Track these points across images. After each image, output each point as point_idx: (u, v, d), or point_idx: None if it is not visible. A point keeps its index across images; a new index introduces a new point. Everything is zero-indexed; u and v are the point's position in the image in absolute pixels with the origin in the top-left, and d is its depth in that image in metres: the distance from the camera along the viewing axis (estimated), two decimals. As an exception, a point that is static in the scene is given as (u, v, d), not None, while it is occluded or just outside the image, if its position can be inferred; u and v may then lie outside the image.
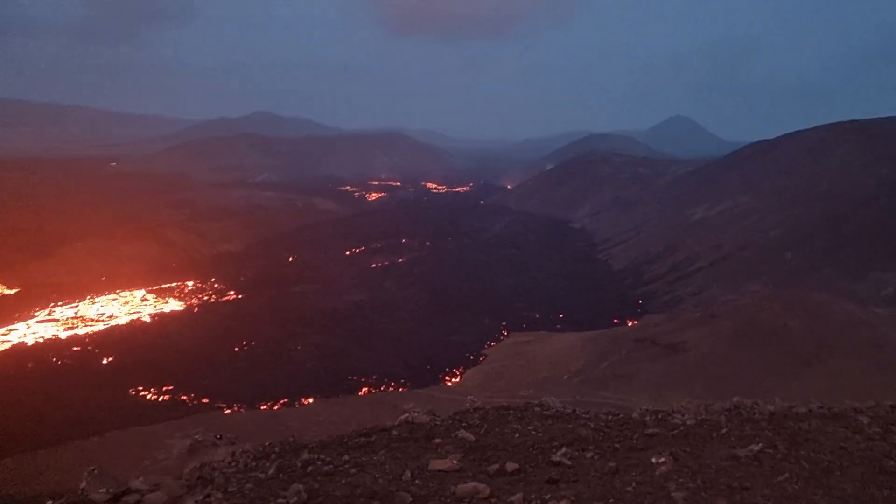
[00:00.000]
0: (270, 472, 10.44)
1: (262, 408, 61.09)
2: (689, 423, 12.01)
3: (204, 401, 63.77)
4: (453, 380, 72.03)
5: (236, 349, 79.65)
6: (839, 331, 65.75)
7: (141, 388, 66.32)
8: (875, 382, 54.14)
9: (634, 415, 12.94)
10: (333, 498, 8.99)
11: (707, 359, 66.81)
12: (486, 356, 79.32)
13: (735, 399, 14.03)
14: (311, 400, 63.57)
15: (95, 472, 10.29)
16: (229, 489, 9.73)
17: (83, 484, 10.02)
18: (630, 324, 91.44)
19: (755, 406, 13.41)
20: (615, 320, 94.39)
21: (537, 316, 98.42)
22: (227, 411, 59.98)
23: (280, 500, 8.94)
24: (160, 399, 64.48)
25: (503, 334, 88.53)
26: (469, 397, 15.85)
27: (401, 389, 67.12)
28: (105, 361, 74.64)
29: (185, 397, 64.64)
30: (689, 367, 65.74)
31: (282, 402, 63.49)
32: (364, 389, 68.08)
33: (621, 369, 67.77)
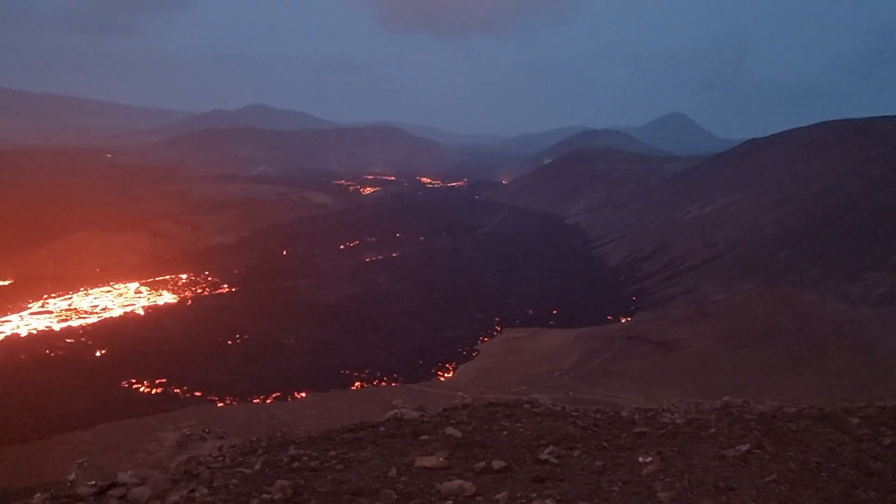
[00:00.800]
0: (256, 467, 10.40)
1: (254, 401, 60.95)
2: (678, 421, 12.01)
3: (196, 394, 63.66)
4: (446, 375, 72.03)
5: (229, 342, 79.52)
6: (830, 330, 65.98)
7: (134, 381, 66.13)
8: (865, 382, 54.38)
9: (623, 413, 12.94)
10: (318, 494, 8.95)
11: (699, 357, 67.03)
12: (479, 351, 79.32)
13: (725, 398, 14.06)
14: (303, 394, 63.53)
15: (85, 464, 10.26)
16: (214, 484, 9.69)
17: (72, 476, 10.00)
18: (623, 321, 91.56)
19: (745, 406, 13.43)
20: (608, 317, 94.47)
21: (531, 312, 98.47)
22: (220, 404, 59.87)
23: (265, 496, 8.89)
24: (153, 391, 64.30)
25: (496, 330, 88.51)
26: (459, 393, 15.85)
27: (393, 384, 67.06)
28: (98, 354, 74.36)
29: (177, 390, 64.48)
30: (681, 365, 65.94)
31: (274, 395, 63.40)
32: (357, 384, 68.06)
33: (613, 366, 67.93)
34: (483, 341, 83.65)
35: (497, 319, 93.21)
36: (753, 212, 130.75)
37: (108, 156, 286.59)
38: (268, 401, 61.47)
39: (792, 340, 65.79)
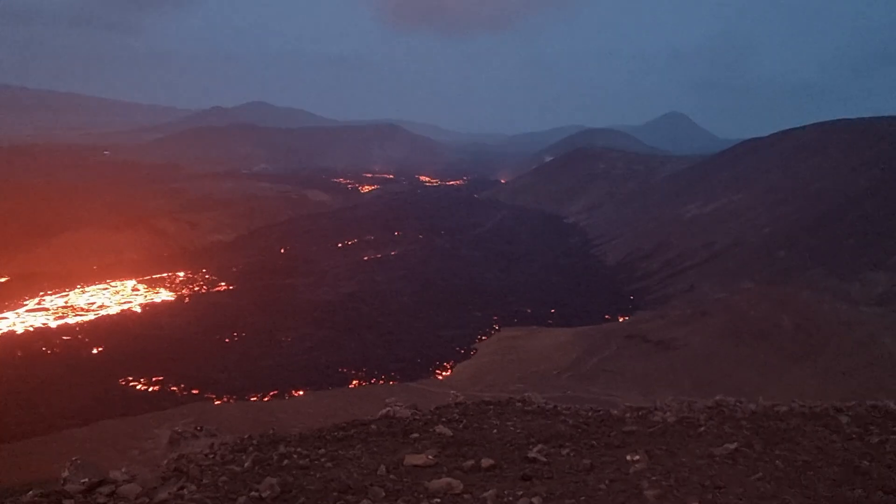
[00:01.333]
0: (246, 464, 10.40)
1: (251, 399, 60.95)
2: (669, 420, 12.02)
3: (194, 391, 63.54)
4: (444, 373, 72.00)
5: (227, 340, 79.44)
6: (828, 329, 66.06)
7: (131, 379, 65.99)
8: (862, 381, 54.50)
9: (614, 412, 12.95)
10: (307, 492, 8.96)
11: (696, 356, 67.06)
12: (477, 350, 79.25)
13: (718, 397, 14.07)
14: (300, 392, 63.47)
15: (78, 461, 10.28)
16: (203, 481, 9.70)
17: (66, 473, 10.03)
18: (621, 320, 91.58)
19: (737, 405, 13.44)
20: (606, 316, 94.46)
21: (529, 311, 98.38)
22: (217, 402, 59.78)
23: (253, 494, 8.90)
24: (150, 389, 64.18)
25: (495, 328, 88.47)
26: (452, 392, 15.85)
27: (391, 383, 66.96)
28: (95, 351, 74.25)
29: (174, 388, 64.36)
30: (679, 364, 65.98)
31: (272, 393, 63.32)
32: (354, 382, 68.03)
33: (611, 365, 67.96)
34: (481, 340, 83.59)
35: (495, 318, 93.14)
36: (752, 211, 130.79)
37: (106, 153, 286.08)
38: (265, 399, 61.45)
39: (790, 340, 65.85)
